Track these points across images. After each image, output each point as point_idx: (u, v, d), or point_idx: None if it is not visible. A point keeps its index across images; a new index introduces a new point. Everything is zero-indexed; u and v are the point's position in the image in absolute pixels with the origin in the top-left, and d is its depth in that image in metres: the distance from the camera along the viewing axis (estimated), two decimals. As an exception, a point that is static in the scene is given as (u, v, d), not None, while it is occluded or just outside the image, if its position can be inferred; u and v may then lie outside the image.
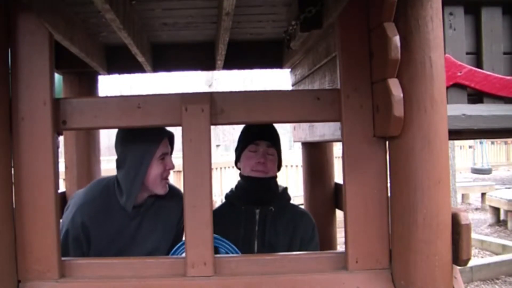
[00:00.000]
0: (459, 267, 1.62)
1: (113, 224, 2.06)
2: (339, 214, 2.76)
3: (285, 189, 2.25)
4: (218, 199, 8.11)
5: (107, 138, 10.71)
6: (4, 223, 1.60)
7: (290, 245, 2.10)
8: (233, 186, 2.27)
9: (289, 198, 2.25)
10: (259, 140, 2.12)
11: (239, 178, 2.23)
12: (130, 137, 2.02)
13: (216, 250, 1.87)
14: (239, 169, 2.22)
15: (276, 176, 2.19)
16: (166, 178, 2.09)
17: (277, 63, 3.06)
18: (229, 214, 2.12)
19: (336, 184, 3.09)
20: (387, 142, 1.67)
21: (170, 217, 2.18)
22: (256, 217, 2.12)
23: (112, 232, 2.06)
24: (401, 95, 1.52)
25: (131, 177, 2.01)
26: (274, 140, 2.16)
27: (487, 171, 15.29)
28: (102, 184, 2.14)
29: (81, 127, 2.02)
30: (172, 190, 2.20)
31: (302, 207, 3.28)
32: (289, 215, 2.17)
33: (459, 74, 1.96)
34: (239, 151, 2.20)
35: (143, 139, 2.00)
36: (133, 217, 2.09)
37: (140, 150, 2.01)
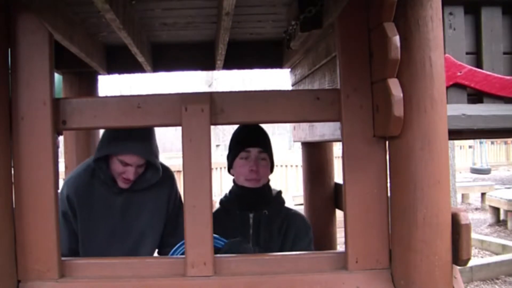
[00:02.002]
0: (459, 267, 1.62)
1: (96, 198, 2.11)
2: (339, 214, 2.76)
3: (279, 192, 2.25)
4: (218, 199, 8.11)
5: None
6: (4, 223, 1.60)
7: (283, 243, 2.10)
8: (227, 191, 2.26)
9: (283, 202, 2.24)
10: (250, 147, 2.11)
11: (232, 184, 2.22)
12: (123, 131, 2.04)
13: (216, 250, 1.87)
14: (233, 175, 2.21)
15: (269, 181, 2.19)
16: (125, 179, 2.09)
17: (277, 63, 3.06)
18: (223, 219, 2.11)
19: (336, 184, 3.08)
20: (387, 142, 1.67)
21: (160, 195, 2.22)
22: (250, 222, 2.13)
23: (97, 206, 2.11)
24: (401, 95, 1.52)
25: (95, 156, 2.09)
26: (265, 145, 2.15)
27: (486, 171, 15.29)
28: (89, 161, 2.20)
29: (81, 127, 2.02)
30: (163, 169, 2.23)
31: (302, 207, 3.28)
32: (282, 217, 2.17)
33: (459, 74, 1.96)
34: (231, 158, 2.19)
35: (128, 138, 2.01)
36: (117, 193, 2.13)
37: (114, 141, 2.03)
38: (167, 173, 2.27)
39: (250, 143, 2.12)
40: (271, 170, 2.20)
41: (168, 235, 2.26)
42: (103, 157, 2.09)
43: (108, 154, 2.06)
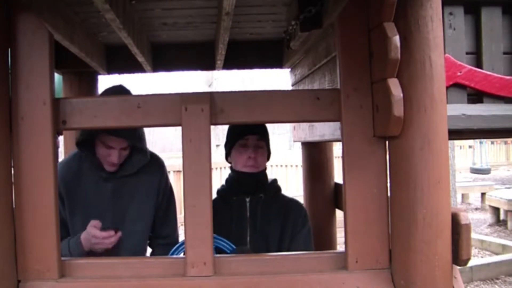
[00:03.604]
0: (459, 267, 1.62)
1: (85, 185, 2.13)
2: (339, 214, 2.76)
3: (275, 180, 2.29)
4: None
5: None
6: (4, 223, 1.60)
7: (282, 232, 2.13)
8: (224, 180, 2.30)
9: (279, 188, 2.28)
10: (248, 135, 2.15)
11: (229, 172, 2.26)
12: None
13: (216, 250, 1.87)
14: (230, 163, 2.26)
15: (265, 168, 2.23)
16: (110, 163, 2.11)
17: (277, 63, 3.06)
18: (221, 206, 2.15)
19: (336, 184, 3.09)
20: (387, 142, 1.67)
21: (149, 182, 2.24)
22: (246, 205, 2.17)
23: (86, 193, 2.12)
24: (401, 95, 1.52)
25: (78, 139, 2.10)
26: (262, 133, 2.19)
27: (486, 171, 15.29)
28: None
29: (81, 127, 2.02)
30: (153, 157, 2.27)
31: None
32: (279, 204, 2.21)
33: (459, 74, 1.96)
34: (229, 146, 2.23)
35: None
36: (106, 179, 2.14)
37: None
38: (157, 161, 2.31)
39: (248, 131, 2.15)
40: (268, 158, 2.24)
41: (159, 226, 2.29)
42: (89, 142, 2.10)
43: (90, 136, 2.08)
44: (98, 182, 2.15)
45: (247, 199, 2.17)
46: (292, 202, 2.27)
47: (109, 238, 1.98)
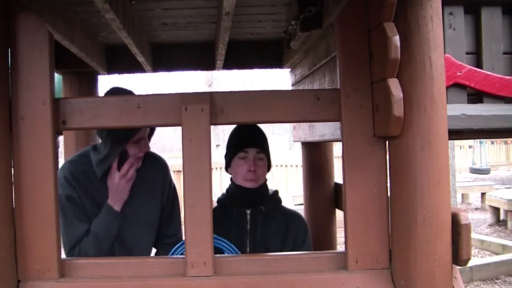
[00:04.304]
0: (459, 267, 1.62)
1: (91, 183, 2.12)
2: (339, 214, 2.76)
3: (276, 191, 2.27)
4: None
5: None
6: (4, 223, 1.60)
7: (282, 246, 2.12)
8: (225, 190, 2.29)
9: (280, 201, 2.26)
10: (247, 147, 2.13)
11: (230, 183, 2.24)
12: None
13: (216, 251, 1.87)
14: (230, 174, 2.23)
15: (266, 180, 2.21)
16: (140, 157, 2.16)
17: (277, 63, 3.07)
18: (221, 216, 2.13)
19: (336, 184, 3.09)
20: (387, 142, 1.67)
21: (154, 184, 2.25)
22: (247, 217, 2.15)
23: (92, 192, 2.12)
24: (401, 95, 1.52)
25: (106, 153, 2.08)
26: (262, 145, 2.17)
27: (485, 171, 15.29)
28: (86, 148, 2.25)
29: (81, 127, 2.02)
30: (153, 156, 2.29)
31: (302, 207, 3.28)
32: (281, 216, 2.19)
33: (459, 74, 1.96)
34: (228, 158, 2.21)
35: None
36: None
37: (120, 131, 2.05)
38: (160, 162, 2.32)
39: (248, 144, 2.13)
40: (268, 169, 2.22)
41: (164, 226, 2.29)
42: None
43: (127, 140, 2.09)
44: (104, 184, 2.13)
45: (248, 211, 2.15)
46: (293, 215, 2.25)
47: (130, 168, 2.06)
